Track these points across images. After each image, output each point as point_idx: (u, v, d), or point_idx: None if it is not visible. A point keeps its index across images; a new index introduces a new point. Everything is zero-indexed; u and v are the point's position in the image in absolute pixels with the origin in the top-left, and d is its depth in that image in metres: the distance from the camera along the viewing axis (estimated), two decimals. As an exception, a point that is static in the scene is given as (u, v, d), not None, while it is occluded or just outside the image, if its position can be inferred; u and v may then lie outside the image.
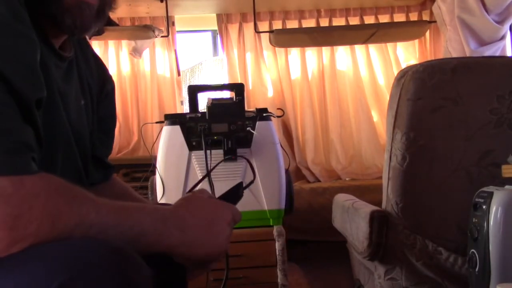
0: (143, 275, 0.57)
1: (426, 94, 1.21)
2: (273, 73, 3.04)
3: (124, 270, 0.54)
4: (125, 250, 0.57)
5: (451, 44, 2.36)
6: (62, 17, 0.73)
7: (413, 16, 3.07)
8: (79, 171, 0.83)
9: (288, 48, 3.03)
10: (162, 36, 2.83)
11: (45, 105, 0.67)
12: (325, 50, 3.05)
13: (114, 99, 1.01)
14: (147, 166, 2.11)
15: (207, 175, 1.66)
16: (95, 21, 0.77)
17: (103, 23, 0.81)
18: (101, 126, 0.96)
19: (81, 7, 0.74)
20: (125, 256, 0.56)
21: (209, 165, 1.69)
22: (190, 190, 0.90)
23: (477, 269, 1.01)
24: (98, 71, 0.95)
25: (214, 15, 3.03)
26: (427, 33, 3.00)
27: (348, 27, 2.97)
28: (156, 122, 2.17)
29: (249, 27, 2.99)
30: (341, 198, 1.63)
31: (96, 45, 2.96)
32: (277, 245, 1.72)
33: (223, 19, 3.03)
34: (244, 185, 0.86)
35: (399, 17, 3.06)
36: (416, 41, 3.07)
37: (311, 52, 3.07)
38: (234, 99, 1.86)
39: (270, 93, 3.03)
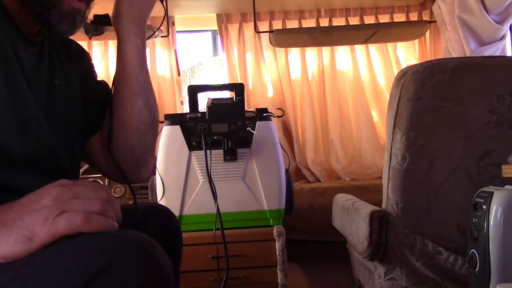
0: (167, 260, 0.61)
1: (426, 94, 1.21)
2: (273, 73, 3.05)
3: (153, 255, 0.58)
4: (152, 240, 0.61)
5: (451, 44, 2.36)
6: (60, 23, 0.80)
7: (413, 16, 3.07)
8: (52, 145, 0.82)
9: (288, 48, 3.03)
10: (162, 36, 2.83)
11: (8, 85, 0.72)
12: (325, 50, 3.05)
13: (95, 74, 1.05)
14: (147, 166, 2.11)
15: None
16: (81, 24, 0.85)
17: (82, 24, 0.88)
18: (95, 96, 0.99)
19: (75, 14, 0.82)
20: (153, 243, 0.60)
21: (209, 165, 1.69)
22: None
23: (477, 269, 1.01)
24: (78, 54, 1.00)
25: (214, 15, 3.03)
26: (427, 33, 3.01)
27: (348, 27, 2.97)
28: (156, 122, 2.17)
29: (249, 27, 2.99)
30: (341, 198, 1.63)
31: (96, 45, 2.97)
32: (277, 245, 1.72)
33: (223, 19, 3.03)
34: None
35: (399, 17, 3.07)
36: (416, 41, 3.07)
37: (311, 52, 3.07)
38: (234, 99, 1.86)
39: (270, 93, 3.04)
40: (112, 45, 2.94)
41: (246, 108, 1.88)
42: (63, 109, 0.88)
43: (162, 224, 1.02)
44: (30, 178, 0.76)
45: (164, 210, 1.08)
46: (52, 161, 0.82)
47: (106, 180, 2.36)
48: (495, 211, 0.97)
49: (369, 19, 3.04)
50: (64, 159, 0.86)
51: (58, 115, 0.86)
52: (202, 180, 1.76)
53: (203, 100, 1.98)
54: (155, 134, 0.98)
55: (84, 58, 1.02)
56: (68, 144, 0.88)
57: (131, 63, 0.94)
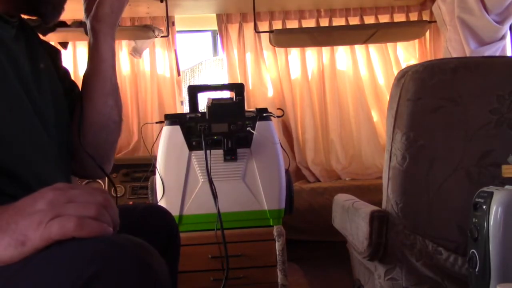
0: (162, 267, 0.59)
1: (426, 94, 1.21)
2: (273, 73, 3.05)
3: (147, 262, 0.57)
4: (147, 245, 0.59)
5: (451, 44, 2.36)
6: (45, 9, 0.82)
7: (413, 16, 3.07)
8: (35, 126, 0.81)
9: (288, 48, 3.03)
10: (162, 36, 2.83)
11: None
12: (325, 50, 3.05)
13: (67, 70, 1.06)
14: (147, 166, 2.12)
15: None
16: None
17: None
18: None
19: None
20: (148, 249, 0.58)
21: (209, 165, 1.69)
22: None
23: (477, 269, 1.01)
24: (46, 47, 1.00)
25: (214, 15, 3.03)
26: (427, 33, 3.00)
27: (348, 27, 2.97)
28: (156, 122, 2.18)
29: (249, 27, 2.99)
30: (341, 198, 1.63)
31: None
32: (277, 245, 1.72)
33: (223, 19, 3.03)
34: None
35: (399, 17, 3.06)
36: (416, 41, 3.07)
37: (311, 52, 3.07)
38: (234, 99, 1.86)
39: (270, 93, 3.04)
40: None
41: (246, 108, 1.88)
42: (50, 91, 0.88)
43: (160, 224, 1.03)
44: (22, 160, 0.77)
45: (162, 211, 1.08)
46: (44, 143, 0.83)
47: (106, 182, 2.36)
48: (495, 211, 0.97)
49: (369, 19, 3.04)
50: (58, 144, 0.86)
51: (48, 101, 0.86)
52: (202, 180, 1.76)
53: (203, 100, 1.98)
54: (119, 133, 1.02)
55: (50, 46, 1.03)
56: (59, 129, 0.89)
57: (106, 63, 0.96)
